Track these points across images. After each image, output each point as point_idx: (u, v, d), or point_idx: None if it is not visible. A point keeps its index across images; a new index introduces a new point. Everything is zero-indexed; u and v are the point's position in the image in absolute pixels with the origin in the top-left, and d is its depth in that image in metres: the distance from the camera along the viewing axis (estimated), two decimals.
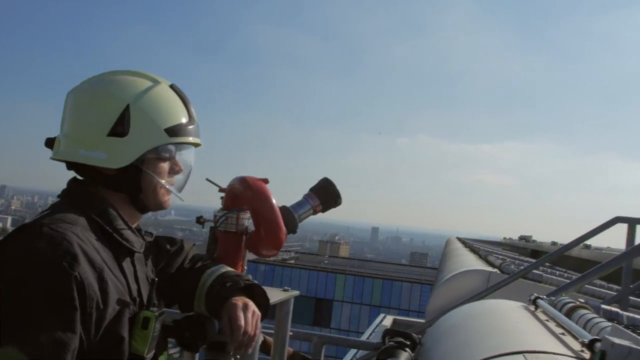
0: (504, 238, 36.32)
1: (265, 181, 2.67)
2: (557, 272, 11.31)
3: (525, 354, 2.43)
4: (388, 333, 3.48)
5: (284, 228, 2.62)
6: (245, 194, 2.63)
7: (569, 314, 3.84)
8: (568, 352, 2.37)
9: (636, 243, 6.52)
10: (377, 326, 11.34)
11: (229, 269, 2.17)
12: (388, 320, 10.67)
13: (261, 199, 2.61)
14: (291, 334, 2.93)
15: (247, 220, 2.64)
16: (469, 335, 3.21)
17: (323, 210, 3.00)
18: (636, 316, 4.46)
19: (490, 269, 8.55)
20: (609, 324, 3.36)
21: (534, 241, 24.72)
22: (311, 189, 2.97)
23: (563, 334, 3.12)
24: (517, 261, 11.10)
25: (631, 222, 7.12)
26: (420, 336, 3.58)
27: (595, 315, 3.62)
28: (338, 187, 2.92)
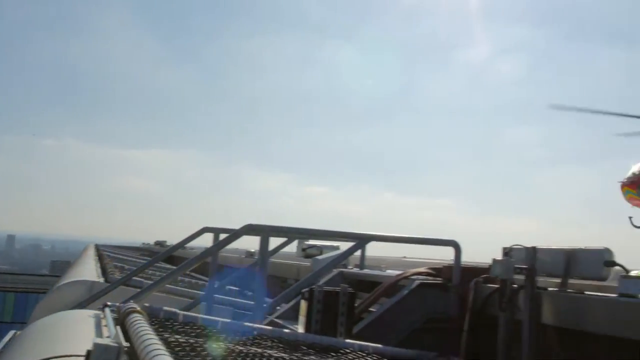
0: (143, 243, 36.92)
1: None
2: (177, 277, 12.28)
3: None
4: None
5: None
6: None
7: (124, 318, 4.52)
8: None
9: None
10: (4, 345, 10.72)
11: None
12: None
13: None
14: None
15: None
16: (25, 346, 3.62)
17: None
18: (193, 314, 5.41)
19: (94, 278, 8.92)
20: (145, 325, 4.12)
21: (168, 246, 25.78)
22: None
23: (109, 337, 3.75)
24: (134, 268, 11.69)
25: (216, 232, 8.53)
26: None
27: (140, 319, 4.36)
28: None
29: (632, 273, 5.43)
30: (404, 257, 25.31)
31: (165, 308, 5.32)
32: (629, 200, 21.37)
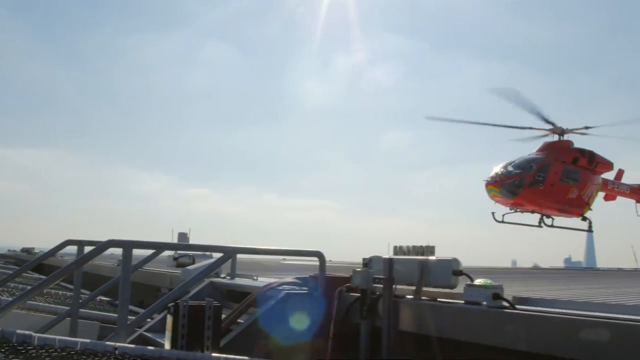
0: (9, 250, 34.80)
1: None
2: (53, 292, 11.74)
3: None
4: None
5: None
6: None
7: None
8: None
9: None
10: None
11: None
12: None
13: None
14: None
15: None
16: None
17: None
18: (50, 336, 5.23)
19: None
20: None
21: (36, 253, 24.49)
22: None
23: None
24: None
25: (80, 244, 8.32)
26: None
27: None
28: None
29: (476, 282, 5.87)
30: (284, 259, 25.65)
31: (19, 331, 5.10)
32: (492, 197, 22.88)
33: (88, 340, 5.58)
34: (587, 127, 22.94)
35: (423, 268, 6.48)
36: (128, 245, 6.30)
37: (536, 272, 23.17)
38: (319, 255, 7.61)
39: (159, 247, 7.79)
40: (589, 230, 24.70)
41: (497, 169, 22.84)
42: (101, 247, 6.52)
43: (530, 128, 22.99)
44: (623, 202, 26.24)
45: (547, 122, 22.63)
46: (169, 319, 6.45)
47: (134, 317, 7.22)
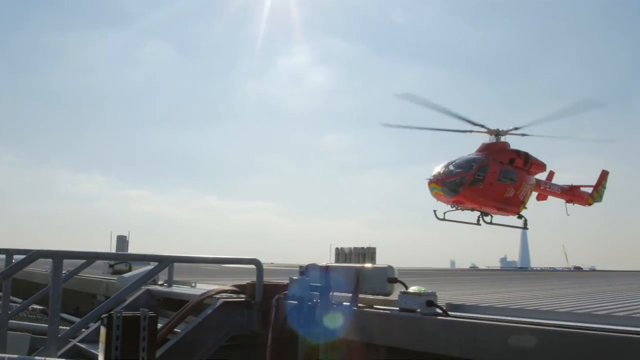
0: None
1: None
2: None
3: None
4: None
5: None
6: None
7: None
8: None
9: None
10: None
11: None
12: None
13: None
14: None
15: None
16: None
17: None
18: None
19: None
20: None
21: None
22: None
23: None
24: None
25: (8, 253, 8.07)
26: None
27: None
28: None
29: (410, 289, 5.95)
30: None
31: None
32: (434, 195, 23.42)
33: (15, 356, 5.41)
34: (516, 128, 23.82)
35: (359, 276, 6.53)
36: (58, 256, 6.12)
37: (472, 274, 23.77)
38: (256, 263, 7.57)
39: (91, 257, 7.59)
40: (525, 227, 25.61)
41: (439, 168, 23.38)
42: (29, 258, 6.30)
43: (471, 131, 23.69)
44: (554, 202, 27.36)
45: (474, 124, 23.43)
46: (103, 330, 6.30)
47: (67, 328, 7.03)
